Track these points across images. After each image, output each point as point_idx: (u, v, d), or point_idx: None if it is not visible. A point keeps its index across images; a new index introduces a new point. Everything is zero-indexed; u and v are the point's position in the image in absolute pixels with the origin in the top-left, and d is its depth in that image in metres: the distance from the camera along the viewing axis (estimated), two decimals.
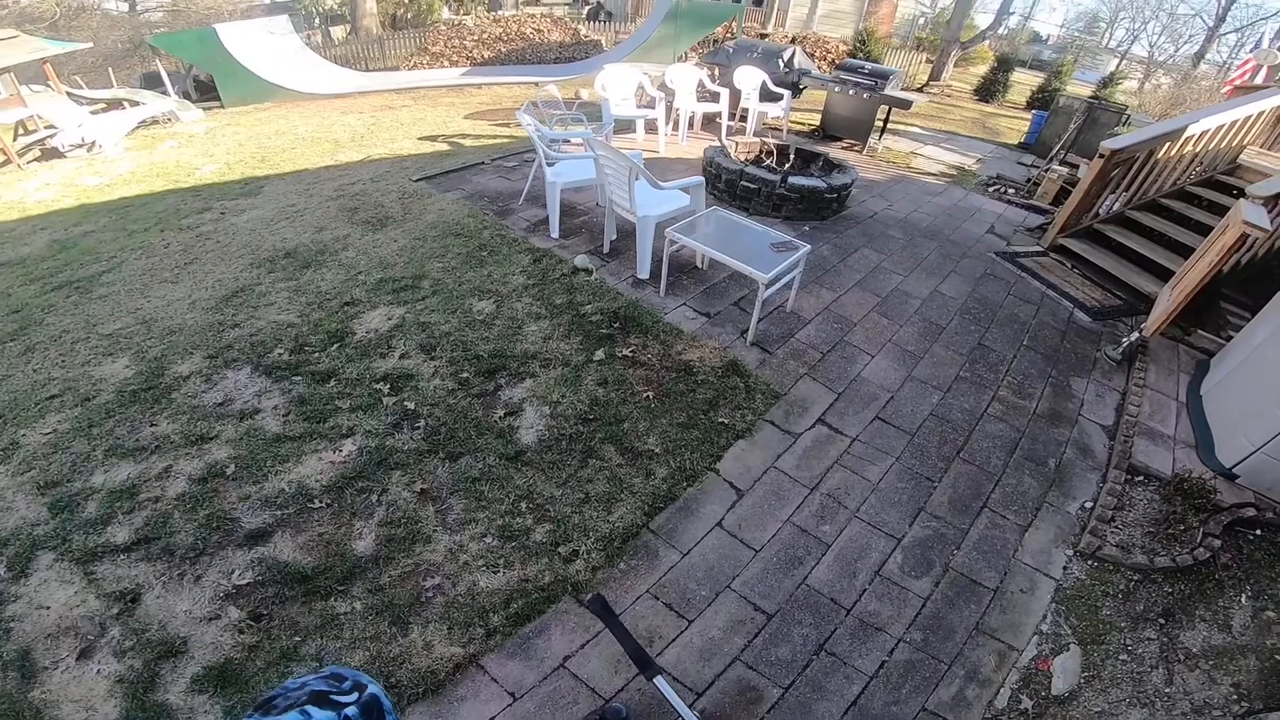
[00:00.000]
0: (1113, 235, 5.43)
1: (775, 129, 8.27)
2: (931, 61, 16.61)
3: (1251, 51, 8.80)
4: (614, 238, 4.52)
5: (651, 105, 6.94)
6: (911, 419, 3.38)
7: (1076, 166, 7.13)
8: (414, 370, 3.26)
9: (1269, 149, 7.06)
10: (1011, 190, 7.23)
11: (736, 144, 5.95)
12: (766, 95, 7.84)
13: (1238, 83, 8.02)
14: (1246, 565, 2.84)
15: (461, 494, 2.62)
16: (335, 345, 3.45)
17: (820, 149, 6.31)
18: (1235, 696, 2.37)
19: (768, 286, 3.46)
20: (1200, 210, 5.36)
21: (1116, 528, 2.96)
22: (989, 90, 14.98)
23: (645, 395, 3.22)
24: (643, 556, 2.49)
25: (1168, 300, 4.29)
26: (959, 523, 2.87)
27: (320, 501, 2.56)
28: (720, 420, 3.14)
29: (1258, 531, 3.00)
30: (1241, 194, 4.25)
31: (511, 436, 2.92)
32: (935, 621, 2.46)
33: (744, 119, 7.93)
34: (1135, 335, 4.21)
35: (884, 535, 2.76)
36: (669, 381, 3.33)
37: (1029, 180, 7.46)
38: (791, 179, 5.19)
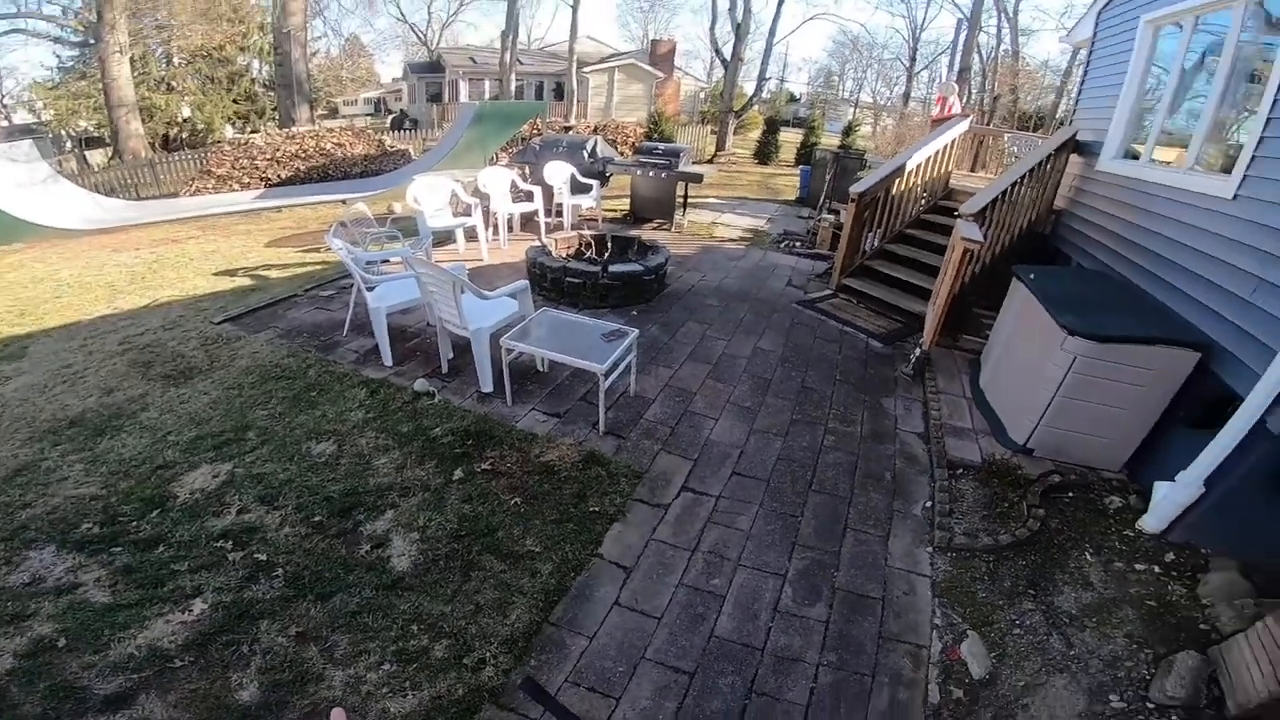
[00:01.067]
0: (879, 269, 6.46)
1: (591, 220, 8.80)
2: (715, 132, 18.87)
3: (939, 87, 10.91)
4: (451, 356, 4.49)
5: (468, 212, 7.03)
6: (763, 467, 3.70)
7: (839, 212, 8.46)
8: (257, 523, 3.07)
9: (971, 170, 8.92)
10: (798, 243, 8.37)
11: (556, 241, 6.25)
12: (577, 187, 8.29)
13: (936, 116, 10.01)
14: (1075, 526, 3.33)
15: (343, 629, 2.50)
16: (155, 511, 3.14)
17: (633, 233, 6.84)
18: (1137, 643, 2.69)
19: (606, 376, 3.65)
20: (936, 234, 6.54)
21: (958, 519, 3.37)
22: (765, 153, 17.35)
23: (513, 502, 3.23)
24: (551, 649, 2.49)
25: (932, 316, 5.17)
26: (830, 547, 3.15)
27: (182, 660, 2.38)
28: (592, 509, 3.22)
29: (1070, 494, 3.55)
30: (958, 215, 5.31)
31: (384, 567, 2.83)
32: (843, 641, 2.66)
33: (560, 214, 8.33)
34: (919, 351, 5.01)
35: (770, 575, 2.95)
36: (533, 485, 3.36)
37: (809, 231, 8.69)
38: (611, 268, 5.57)
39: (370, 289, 4.52)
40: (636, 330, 4.10)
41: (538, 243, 6.21)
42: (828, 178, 9.43)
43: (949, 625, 2.77)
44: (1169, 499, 3.10)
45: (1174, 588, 2.93)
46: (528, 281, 4.57)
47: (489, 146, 12.35)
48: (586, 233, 6.51)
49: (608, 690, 2.36)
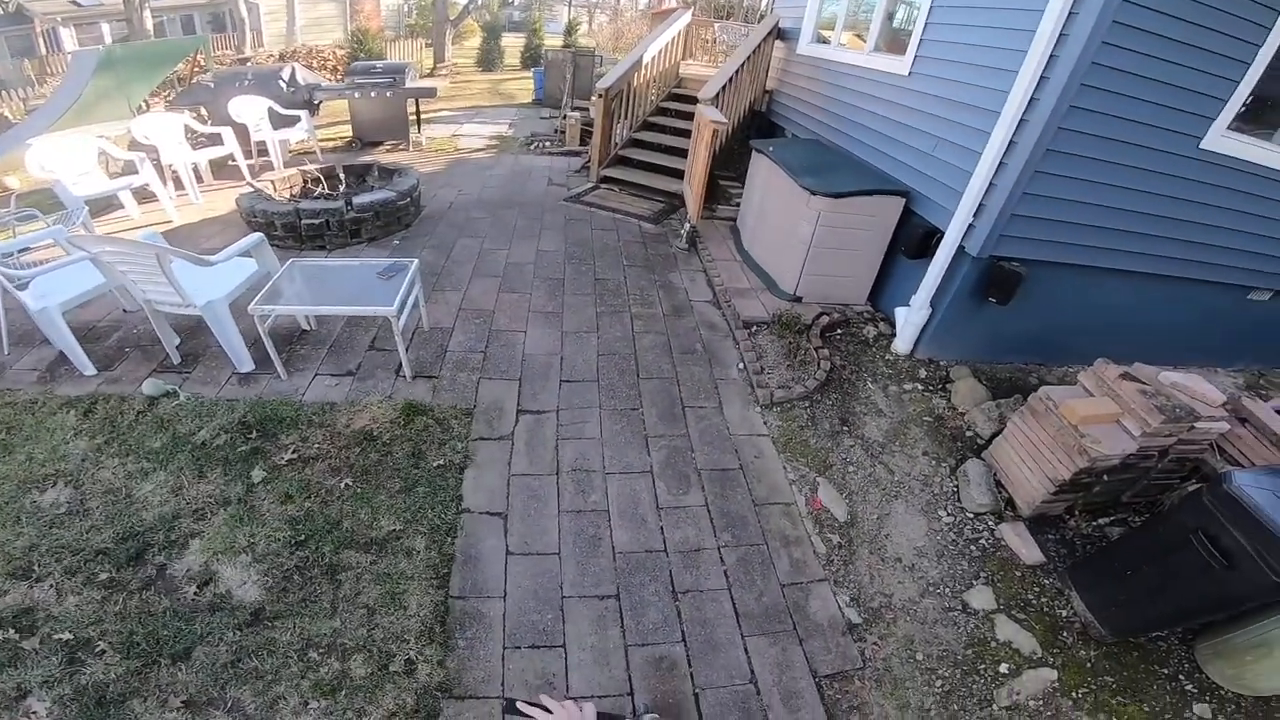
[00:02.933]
0: (633, 156, 6.67)
1: (308, 153, 7.49)
2: (431, 45, 17.03)
3: None
4: (178, 342, 3.57)
5: (132, 170, 5.49)
6: (588, 368, 3.69)
7: (585, 109, 8.40)
8: (28, 602, 2.32)
9: (693, 58, 9.42)
10: (548, 143, 8.21)
11: (274, 182, 5.19)
12: (280, 121, 7.03)
13: (658, 9, 10.25)
14: (851, 358, 3.87)
15: (235, 683, 2.11)
16: None
17: (367, 159, 6.01)
18: (934, 458, 3.20)
19: (399, 317, 3.24)
20: (675, 119, 6.90)
21: (769, 373, 3.70)
22: (489, 60, 16.29)
23: (343, 485, 2.80)
24: (471, 624, 2.32)
25: (692, 193, 5.52)
26: (677, 430, 3.29)
27: None
28: (435, 464, 2.93)
29: (839, 331, 4.12)
30: (693, 100, 5.61)
31: (229, 603, 2.33)
32: (727, 518, 2.82)
33: (265, 153, 6.96)
34: (688, 226, 5.34)
35: (638, 474, 3.00)
36: (357, 459, 2.92)
37: (557, 130, 8.54)
38: (356, 199, 4.83)
39: (21, 287, 3.31)
40: (416, 260, 3.65)
41: (248, 188, 5.07)
42: (567, 77, 9.29)
43: (801, 478, 3.09)
44: (909, 321, 3.81)
45: (937, 400, 3.60)
46: (262, 234, 3.74)
47: (134, 94, 9.58)
48: (310, 167, 5.50)
49: (550, 641, 2.29)
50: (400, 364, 3.45)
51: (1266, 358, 4.52)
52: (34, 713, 2.03)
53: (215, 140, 6.52)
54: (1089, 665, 2.42)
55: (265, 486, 2.78)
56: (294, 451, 2.94)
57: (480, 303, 4.26)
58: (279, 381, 3.38)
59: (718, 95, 5.34)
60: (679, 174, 6.23)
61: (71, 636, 2.22)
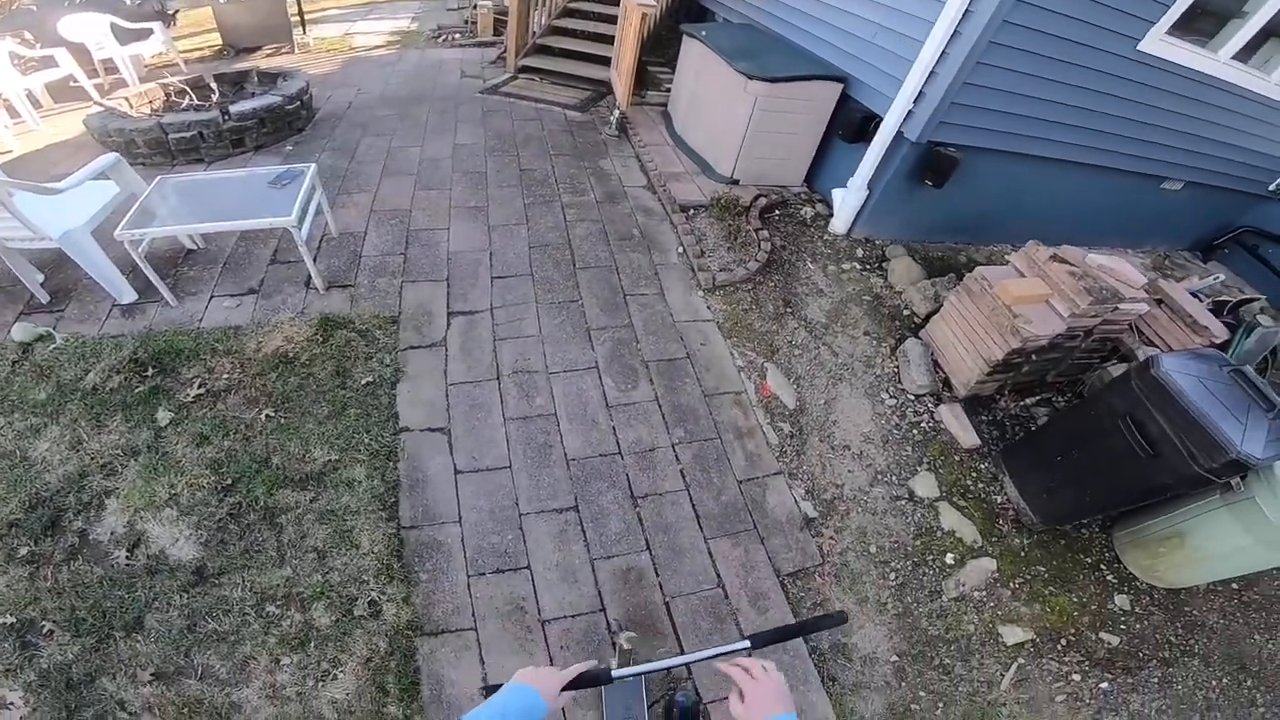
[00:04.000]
0: (553, 44, 6.07)
1: (169, 66, 6.50)
2: None
3: None
4: (42, 279, 3.08)
5: None
6: (521, 261, 3.42)
7: None
8: None
9: None
10: (458, 35, 7.42)
11: (128, 99, 4.45)
12: (129, 36, 6.06)
13: None
14: (790, 239, 3.77)
15: (198, 648, 1.96)
16: None
17: (244, 65, 5.24)
18: (874, 338, 3.16)
19: (300, 226, 2.85)
20: (597, 4, 6.22)
21: (710, 257, 3.56)
22: None
23: (263, 417, 2.52)
24: (430, 555, 2.18)
25: (620, 79, 5.07)
26: (620, 321, 3.10)
27: None
28: (364, 382, 2.67)
29: (777, 212, 4.00)
30: None
31: (166, 564, 2.11)
32: (678, 412, 2.70)
33: (114, 71, 6.02)
34: (617, 113, 4.94)
35: (583, 371, 2.83)
36: (275, 386, 2.63)
37: (467, 22, 7.70)
38: (234, 106, 4.19)
39: None
40: (313, 164, 3.19)
41: (99, 108, 4.33)
42: None
43: (748, 364, 2.98)
44: (846, 202, 3.72)
45: (874, 280, 3.54)
46: (117, 154, 3.18)
47: None
48: (172, 80, 4.74)
49: (515, 564, 2.17)
50: (309, 276, 3.09)
51: (1171, 240, 4.90)
52: (11, 704, 1.85)
53: (49, 63, 5.57)
54: (1023, 555, 2.47)
55: (175, 429, 2.47)
56: (200, 385, 2.62)
57: (394, 202, 3.85)
58: (169, 309, 2.99)
59: None
60: (605, 61, 5.75)
61: (14, 619, 1.99)
